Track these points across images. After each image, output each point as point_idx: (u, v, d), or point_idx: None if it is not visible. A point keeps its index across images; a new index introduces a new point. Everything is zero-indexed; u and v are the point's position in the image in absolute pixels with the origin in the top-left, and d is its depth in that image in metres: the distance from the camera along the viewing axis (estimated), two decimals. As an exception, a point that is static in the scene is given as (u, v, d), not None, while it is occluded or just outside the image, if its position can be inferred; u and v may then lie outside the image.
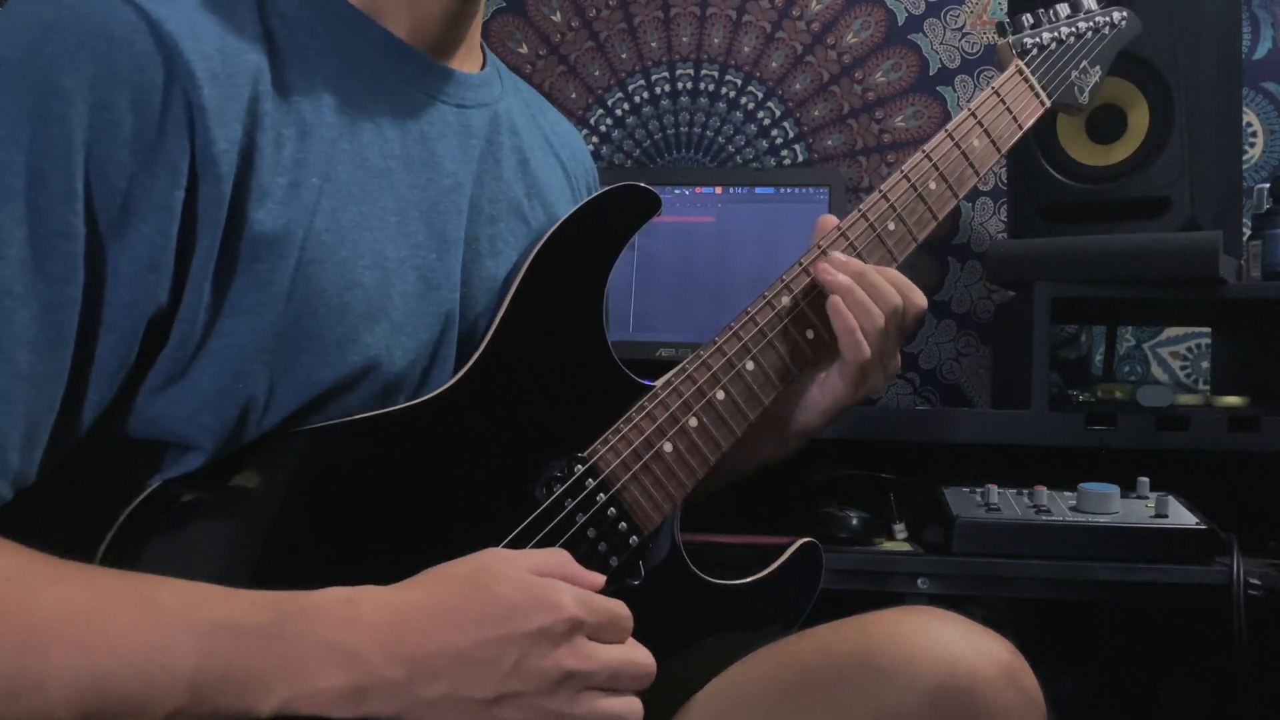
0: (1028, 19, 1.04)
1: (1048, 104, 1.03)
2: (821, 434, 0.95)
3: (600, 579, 0.71)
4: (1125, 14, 1.11)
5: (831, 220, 0.90)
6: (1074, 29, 1.06)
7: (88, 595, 0.61)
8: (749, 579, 0.87)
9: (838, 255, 0.87)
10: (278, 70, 0.73)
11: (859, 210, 0.91)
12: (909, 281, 0.89)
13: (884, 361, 0.89)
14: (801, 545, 0.90)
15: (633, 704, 0.68)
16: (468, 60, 0.86)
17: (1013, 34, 1.03)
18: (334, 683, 0.62)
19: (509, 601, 0.66)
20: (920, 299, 0.90)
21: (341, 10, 0.77)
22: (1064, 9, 1.06)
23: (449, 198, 0.81)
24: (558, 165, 0.95)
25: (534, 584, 0.67)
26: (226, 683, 0.61)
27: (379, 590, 0.66)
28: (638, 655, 0.69)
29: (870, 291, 0.86)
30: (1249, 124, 1.73)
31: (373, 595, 0.66)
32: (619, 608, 0.70)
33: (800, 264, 0.88)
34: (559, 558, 0.71)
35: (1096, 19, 1.09)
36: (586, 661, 0.66)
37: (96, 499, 0.68)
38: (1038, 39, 1.03)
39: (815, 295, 0.88)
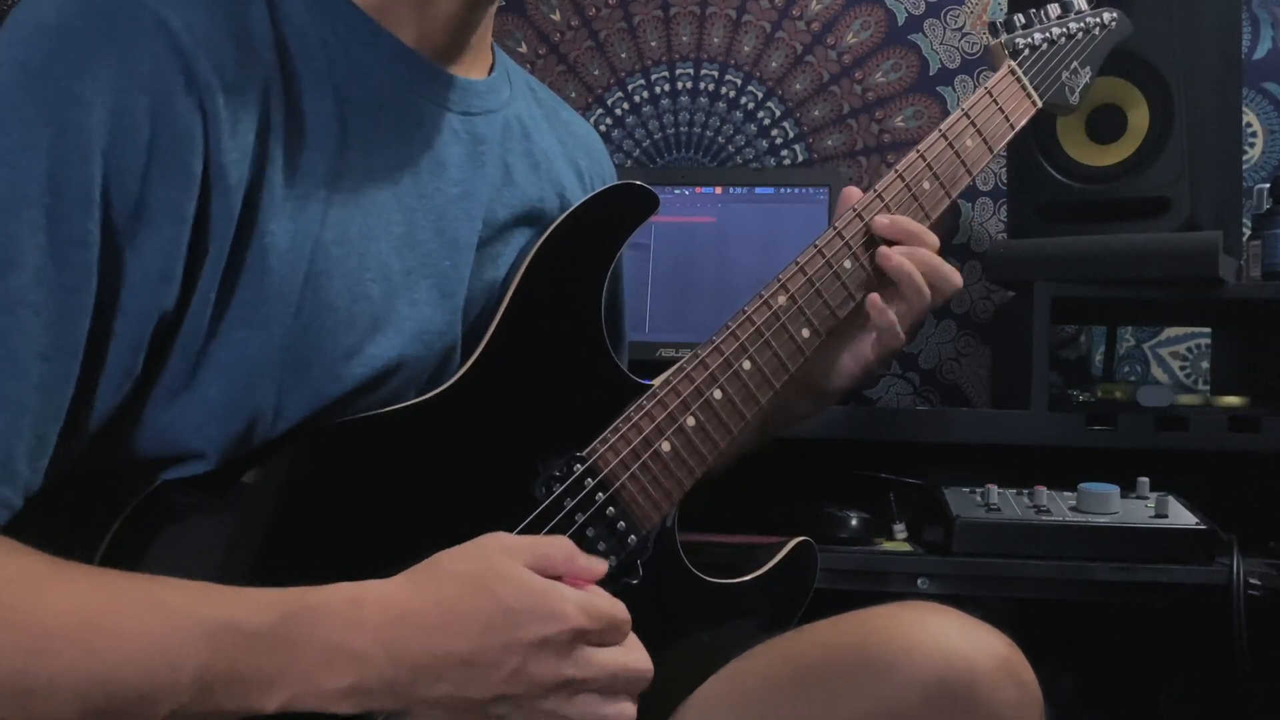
0: (1019, 19, 1.04)
1: (1039, 104, 1.03)
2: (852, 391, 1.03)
3: (603, 566, 0.71)
4: (1115, 14, 1.11)
5: (855, 193, 0.93)
6: (1065, 29, 1.06)
7: (93, 595, 0.61)
8: (746, 577, 0.88)
9: (902, 248, 0.91)
10: (289, 80, 0.72)
11: (854, 209, 0.91)
12: (940, 264, 0.93)
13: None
14: (797, 544, 0.90)
15: (625, 708, 0.69)
16: (476, 65, 0.86)
17: (1005, 34, 1.03)
18: (338, 683, 0.62)
19: (512, 608, 0.65)
20: (955, 279, 0.94)
21: (351, 17, 0.77)
22: (1055, 9, 1.06)
23: (458, 205, 0.81)
24: (571, 169, 0.95)
25: (538, 589, 0.67)
26: (232, 682, 0.61)
27: (384, 590, 0.66)
28: (635, 661, 0.70)
29: (931, 274, 0.91)
30: (1249, 124, 1.73)
31: (378, 596, 0.66)
32: (619, 610, 0.70)
33: (797, 263, 0.89)
34: (564, 549, 0.70)
35: (1087, 19, 1.09)
36: (586, 669, 0.66)
37: (101, 509, 0.68)
38: (1029, 39, 1.04)
39: (810, 294, 0.88)
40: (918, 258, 0.90)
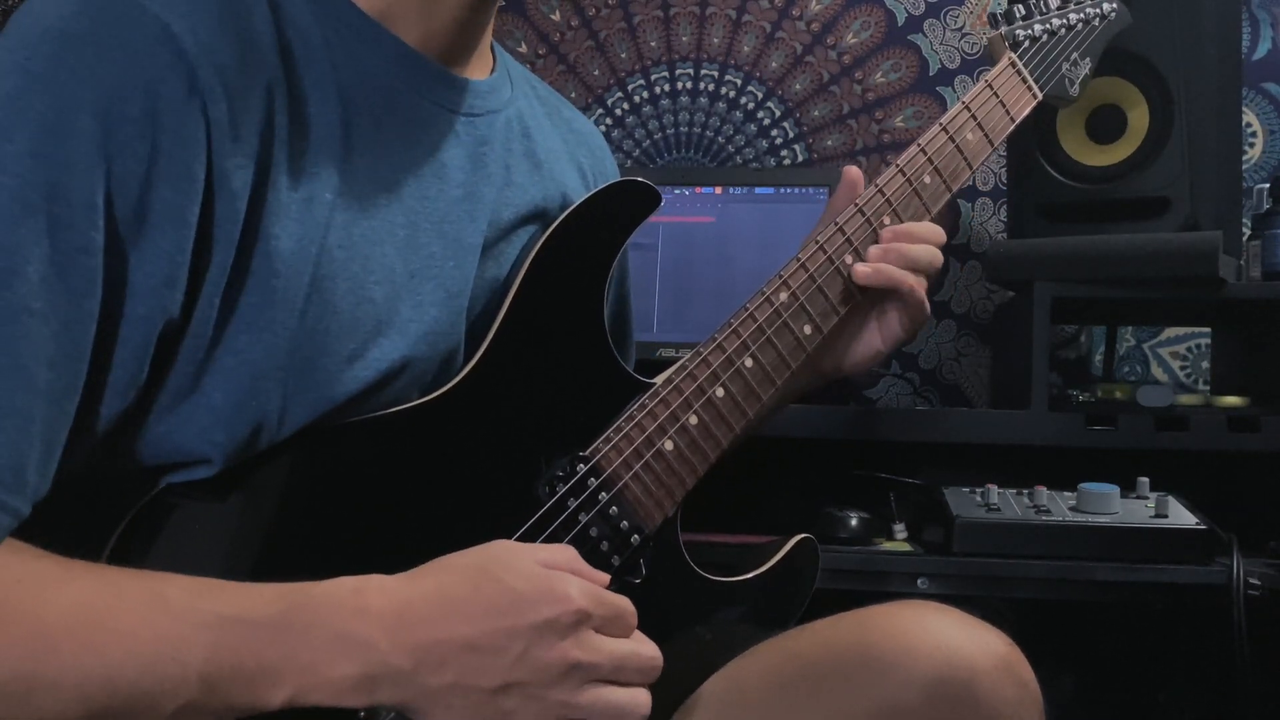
0: (1019, 10, 1.04)
1: (1040, 96, 1.03)
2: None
3: (606, 577, 0.71)
4: (1115, 5, 1.11)
5: (855, 172, 0.94)
6: (1065, 20, 1.06)
7: (97, 593, 0.61)
8: (748, 575, 0.87)
9: (874, 248, 0.91)
10: (293, 83, 0.72)
11: (855, 205, 0.91)
12: (932, 228, 0.94)
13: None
14: (798, 541, 0.90)
15: (637, 695, 0.69)
16: (478, 65, 0.86)
17: (1005, 26, 1.03)
18: (345, 672, 0.62)
19: (517, 592, 0.66)
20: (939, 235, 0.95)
21: (354, 20, 0.77)
22: (1054, 0, 1.06)
23: (460, 207, 0.81)
24: (573, 167, 0.95)
25: (542, 575, 0.67)
26: (237, 675, 0.61)
27: (387, 580, 0.66)
28: (643, 649, 0.70)
29: (909, 264, 0.91)
30: (1249, 124, 1.73)
31: (381, 585, 0.66)
32: (624, 603, 0.70)
33: (798, 259, 0.89)
34: (566, 553, 0.71)
35: (1087, 10, 1.09)
36: (592, 653, 0.67)
37: (105, 514, 0.68)
38: (1029, 31, 1.04)
39: (813, 291, 0.88)
40: (892, 256, 0.90)
